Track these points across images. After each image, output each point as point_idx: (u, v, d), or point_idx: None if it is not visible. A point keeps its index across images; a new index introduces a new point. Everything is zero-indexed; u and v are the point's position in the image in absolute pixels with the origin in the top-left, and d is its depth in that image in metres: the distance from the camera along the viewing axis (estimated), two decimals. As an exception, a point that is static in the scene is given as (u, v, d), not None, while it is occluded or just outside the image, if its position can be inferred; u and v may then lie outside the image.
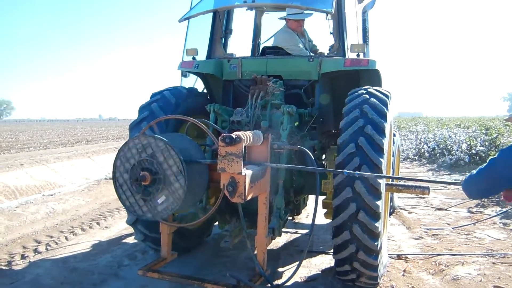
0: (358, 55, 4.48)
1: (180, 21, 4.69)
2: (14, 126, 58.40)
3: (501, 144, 12.32)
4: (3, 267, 4.56)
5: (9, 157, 13.31)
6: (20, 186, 8.84)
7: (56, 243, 5.42)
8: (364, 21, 4.93)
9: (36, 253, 5.02)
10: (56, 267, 4.58)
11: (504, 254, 4.79)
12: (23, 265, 4.63)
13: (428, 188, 3.91)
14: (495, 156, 2.21)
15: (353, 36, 4.76)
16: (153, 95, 4.51)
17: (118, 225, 6.30)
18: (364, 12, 4.99)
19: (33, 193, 8.65)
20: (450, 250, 5.01)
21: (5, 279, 4.24)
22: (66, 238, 5.65)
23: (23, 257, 4.89)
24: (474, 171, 2.40)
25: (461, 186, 2.56)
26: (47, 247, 5.26)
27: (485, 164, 2.25)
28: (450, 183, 3.01)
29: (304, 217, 6.53)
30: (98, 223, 6.40)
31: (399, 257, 4.81)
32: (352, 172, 3.23)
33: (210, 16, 5.21)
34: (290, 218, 5.14)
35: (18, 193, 8.54)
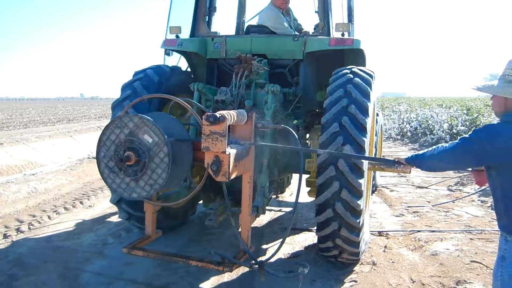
0: (343, 35, 4.47)
1: (163, -3, 4.60)
2: (-8, 105, 57.08)
3: (481, 123, 12.53)
4: (-15, 247, 4.53)
5: (-12, 136, 13.05)
6: (0, 165, 8.71)
7: (39, 222, 5.39)
8: (349, 1, 4.90)
9: (19, 232, 4.99)
10: (39, 246, 4.56)
11: (481, 230, 4.93)
12: (5, 244, 4.61)
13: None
14: (467, 135, 2.25)
15: (338, 15, 4.75)
16: (136, 73, 4.45)
17: (102, 204, 6.29)
18: (349, -9, 4.96)
19: (14, 173, 8.54)
20: (430, 227, 5.14)
21: (-12, 258, 4.22)
22: (49, 217, 5.62)
23: (5, 236, 4.86)
24: (435, 147, 2.40)
25: (408, 161, 2.56)
26: (30, 226, 5.23)
27: (455, 141, 2.29)
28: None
29: (288, 195, 6.60)
30: (81, 202, 6.37)
31: (380, 233, 4.92)
32: (334, 152, 3.26)
33: (194, -8, 5.12)
34: (274, 196, 5.18)
35: (-1, 172, 8.42)
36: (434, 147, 2.44)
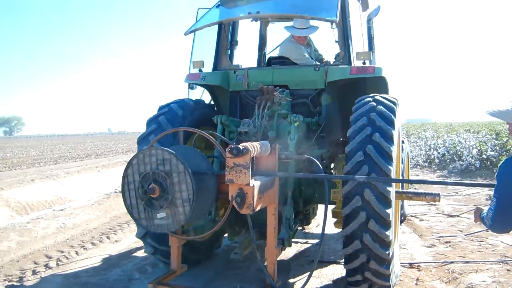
0: (364, 63, 4.47)
1: (186, 34, 4.72)
2: (25, 142, 59.02)
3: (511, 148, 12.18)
4: (15, 283, 4.57)
5: (20, 173, 13.41)
6: (31, 201, 8.91)
7: (67, 258, 5.43)
8: (369, 29, 4.92)
9: (47, 269, 5.03)
10: (67, 282, 4.58)
11: (518, 260, 4.71)
12: (34, 281, 4.64)
13: (438, 194, 3.87)
14: (495, 188, 2.26)
15: (358, 44, 4.76)
16: (161, 108, 4.53)
17: (128, 239, 6.31)
18: (369, 20, 5.00)
19: (44, 208, 8.71)
20: (463, 257, 4.94)
21: (17, 295, 4.26)
22: (77, 253, 5.65)
23: (34, 272, 4.90)
24: (489, 211, 2.44)
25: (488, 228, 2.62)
26: (58, 262, 5.27)
27: (492, 199, 2.31)
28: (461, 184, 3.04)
29: (314, 226, 6.49)
30: (108, 237, 6.41)
31: (411, 265, 4.75)
32: (364, 177, 3.20)
33: (215, 28, 5.24)
34: (300, 228, 5.10)
35: (29, 208, 8.60)
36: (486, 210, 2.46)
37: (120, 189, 3.18)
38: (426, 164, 15.23)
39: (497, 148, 12.87)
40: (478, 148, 13.28)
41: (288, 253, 5.28)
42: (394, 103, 3.83)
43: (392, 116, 3.64)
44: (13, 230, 6.61)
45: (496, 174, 2.31)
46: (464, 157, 13.17)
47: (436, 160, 14.80)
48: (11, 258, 5.44)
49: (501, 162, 2.30)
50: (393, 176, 3.41)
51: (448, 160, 14.19)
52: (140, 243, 5.20)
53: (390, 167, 3.36)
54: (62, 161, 19.61)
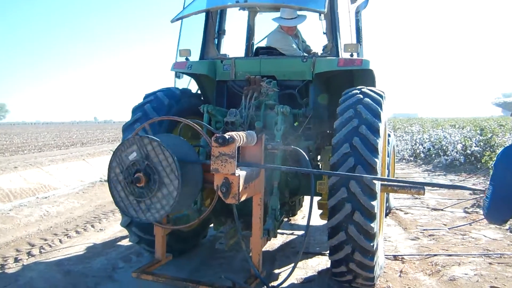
0: (351, 55, 4.46)
1: (172, 21, 4.65)
2: (8, 129, 58.12)
3: (495, 144, 12.34)
4: (-4, 271, 4.52)
5: (3, 160, 13.22)
6: (14, 189, 8.78)
7: (50, 246, 5.37)
8: (358, 21, 4.91)
9: (30, 256, 4.97)
10: (50, 270, 4.53)
11: (500, 254, 4.78)
12: (16, 268, 4.58)
13: (423, 188, 3.91)
14: (492, 176, 2.27)
15: (346, 36, 4.75)
16: (146, 96, 4.48)
17: (113, 228, 6.26)
18: (357, 12, 4.98)
19: (27, 196, 8.60)
20: (447, 250, 5.00)
21: (-2, 282, 4.20)
22: (60, 241, 5.59)
23: (16, 260, 4.84)
24: (485, 200, 2.45)
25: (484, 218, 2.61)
26: (41, 250, 5.21)
27: (489, 186, 2.31)
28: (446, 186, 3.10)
29: (300, 218, 6.51)
30: (92, 226, 6.35)
31: (395, 257, 4.80)
32: (347, 174, 3.20)
33: (203, 16, 5.18)
34: (285, 219, 5.11)
35: (12, 196, 8.48)
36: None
37: (105, 178, 3.14)
38: (411, 158, 15.37)
39: (482, 143, 13.03)
40: (463, 143, 13.44)
41: (273, 244, 5.29)
42: (381, 96, 3.83)
43: (379, 108, 3.64)
44: (-5, 217, 6.51)
45: (493, 162, 2.33)
46: (449, 152, 13.32)
47: (422, 155, 14.95)
48: (-8, 246, 5.37)
49: (499, 151, 2.32)
50: (378, 169, 3.42)
51: (433, 155, 14.36)
52: (125, 232, 5.16)
53: (375, 159, 3.36)
54: (46, 149, 19.37)
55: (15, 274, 4.43)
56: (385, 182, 3.87)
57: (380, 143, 3.49)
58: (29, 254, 5.05)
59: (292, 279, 4.13)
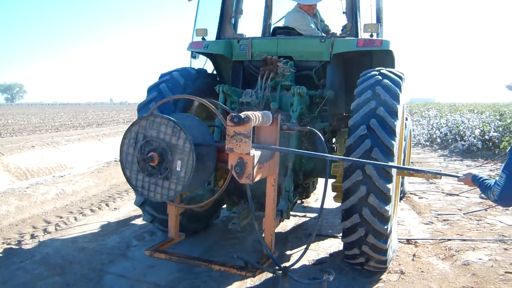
0: (371, 35, 4.36)
1: (189, 0, 4.60)
2: (26, 109, 58.92)
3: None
4: (13, 246, 4.60)
5: (20, 139, 13.41)
6: (31, 167, 8.93)
7: (66, 224, 5.45)
8: (378, 1, 4.78)
9: (46, 233, 5.06)
10: (65, 246, 4.60)
11: (516, 240, 4.71)
12: (32, 245, 4.67)
13: (440, 172, 3.84)
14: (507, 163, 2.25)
15: (366, 16, 4.65)
16: (162, 75, 4.46)
17: (127, 207, 6.32)
18: (378, -8, 4.85)
19: (44, 175, 8.73)
20: (461, 235, 4.94)
21: (15, 258, 4.28)
22: (75, 219, 5.68)
23: (32, 236, 4.93)
24: (496, 187, 2.44)
25: (495, 202, 2.60)
26: (57, 227, 5.30)
27: (502, 175, 2.31)
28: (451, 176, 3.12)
29: (313, 200, 6.49)
30: (107, 205, 6.43)
31: (408, 241, 4.76)
32: (359, 160, 3.15)
33: (220, -5, 5.11)
34: (299, 201, 5.09)
35: (29, 174, 8.62)
36: (490, 182, 2.51)
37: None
38: (428, 143, 15.17)
39: (500, 129, 12.79)
40: (481, 128, 13.20)
41: (286, 225, 5.29)
42: (401, 78, 3.75)
43: (398, 90, 3.56)
44: (13, 194, 6.62)
45: (508, 150, 2.29)
46: (466, 137, 13.10)
47: (438, 140, 14.73)
48: (10, 222, 5.47)
49: None
50: (395, 151, 3.37)
51: (450, 140, 14.13)
52: (139, 211, 5.21)
53: (393, 142, 3.31)
54: (63, 129, 19.60)
55: (32, 250, 4.51)
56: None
57: (398, 125, 3.44)
58: (45, 231, 5.14)
59: (304, 261, 4.13)
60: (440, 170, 3.90)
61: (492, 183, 2.52)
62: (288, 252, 4.46)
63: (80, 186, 7.66)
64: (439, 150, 13.67)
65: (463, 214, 5.91)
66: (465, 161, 11.21)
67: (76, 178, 8.22)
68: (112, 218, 5.76)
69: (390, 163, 3.28)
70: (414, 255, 4.34)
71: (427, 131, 16.49)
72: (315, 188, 5.28)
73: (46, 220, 5.60)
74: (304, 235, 5.01)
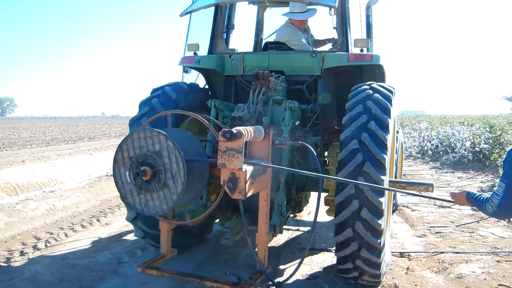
0: (361, 50, 4.41)
1: (181, 15, 4.63)
2: (17, 123, 58.51)
3: (505, 142, 12.21)
4: (2, 264, 4.52)
5: (11, 154, 13.30)
6: (21, 182, 8.84)
7: (56, 240, 5.38)
8: (368, 16, 4.85)
9: (36, 250, 4.98)
10: (55, 264, 4.53)
11: (508, 252, 4.72)
12: (22, 262, 4.59)
13: (432, 185, 3.88)
14: (503, 173, 2.27)
15: (356, 31, 4.70)
16: (154, 90, 4.45)
17: (118, 222, 6.26)
18: (368, 7, 4.92)
19: (34, 190, 8.65)
20: (454, 248, 4.95)
21: (4, 275, 4.20)
22: (66, 235, 5.60)
23: (22, 253, 4.85)
24: (495, 197, 2.45)
25: (490, 215, 2.62)
26: (47, 243, 5.22)
27: (500, 185, 2.33)
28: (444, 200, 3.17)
29: (306, 214, 6.48)
30: (98, 220, 6.36)
31: (402, 255, 4.75)
32: (356, 182, 3.15)
33: (211, 10, 5.14)
34: (291, 215, 5.08)
35: (19, 189, 8.53)
36: (486, 196, 2.50)
37: (111, 172, 3.11)
38: (419, 155, 15.26)
39: (490, 141, 12.91)
40: (472, 140, 13.32)
41: (279, 240, 5.27)
42: (391, 92, 3.78)
43: (389, 104, 3.59)
44: (2, 210, 6.53)
45: (503, 160, 2.32)
46: (457, 149, 13.21)
47: (429, 152, 14.83)
48: (-1, 239, 5.39)
49: (508, 148, 2.32)
50: (387, 165, 3.38)
51: (441, 152, 14.24)
52: (131, 227, 5.16)
53: (384, 155, 3.32)
54: (54, 143, 19.48)
55: (21, 267, 4.43)
56: (394, 179, 3.81)
57: (389, 139, 3.45)
58: (34, 247, 5.06)
59: (298, 275, 4.10)
60: (432, 184, 3.92)
61: (489, 196, 2.54)
62: (282, 267, 4.43)
63: (71, 201, 7.58)
64: (430, 162, 13.75)
65: (456, 226, 5.93)
66: (457, 173, 11.29)
67: (67, 193, 8.14)
68: (103, 233, 5.70)
69: (382, 177, 3.29)
70: (407, 269, 4.33)
71: (418, 143, 16.61)
72: (307, 202, 5.27)
73: (36, 236, 5.52)
74: (297, 249, 4.99)
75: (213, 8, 5.09)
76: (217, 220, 4.92)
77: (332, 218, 3.65)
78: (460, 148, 13.10)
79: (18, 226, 5.97)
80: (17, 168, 9.58)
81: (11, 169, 9.39)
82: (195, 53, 4.98)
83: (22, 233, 5.64)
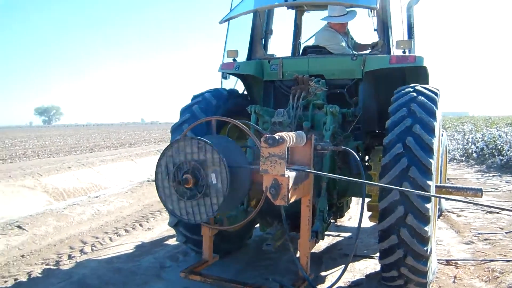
0: (404, 52, 4.31)
1: (220, 22, 4.67)
2: (62, 131, 60.87)
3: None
4: (52, 267, 4.69)
5: (57, 161, 13.82)
6: (67, 188, 9.16)
7: (101, 244, 5.54)
8: (409, 17, 4.73)
9: (82, 254, 5.14)
10: (101, 267, 4.66)
11: None
12: (70, 265, 4.75)
13: (481, 190, 3.73)
14: None
15: (398, 32, 4.60)
16: (194, 97, 4.51)
17: (160, 227, 6.37)
18: (410, 8, 4.80)
19: (80, 195, 8.94)
20: (505, 256, 4.73)
21: (54, 279, 4.36)
22: (111, 239, 5.76)
23: (70, 257, 5.02)
24: None
25: None
26: (93, 247, 5.38)
27: None
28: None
29: (347, 219, 6.38)
30: (141, 225, 6.50)
31: (448, 262, 4.59)
32: (400, 188, 3.06)
33: (250, 17, 5.17)
34: (332, 221, 5.01)
35: (66, 194, 8.85)
36: None
37: (153, 177, 3.17)
38: (463, 158, 14.74)
39: (540, 143, 12.31)
40: (520, 142, 12.74)
41: (320, 246, 5.20)
42: (436, 94, 3.66)
43: (434, 107, 3.48)
44: (51, 215, 6.78)
45: None
46: (504, 151, 12.66)
47: (474, 155, 14.29)
48: (48, 242, 5.60)
49: None
50: (433, 170, 3.27)
51: (487, 155, 13.67)
52: (172, 232, 5.24)
53: (431, 160, 3.22)
54: (97, 150, 20.10)
55: (69, 270, 4.59)
56: (439, 184, 3.69)
57: (435, 143, 3.35)
58: (81, 251, 5.23)
59: (340, 282, 4.02)
60: (481, 188, 3.76)
61: None
62: (323, 274, 4.37)
63: (115, 206, 7.79)
64: (475, 166, 13.24)
65: (505, 233, 5.67)
66: (504, 176, 10.81)
67: (111, 198, 8.37)
68: (146, 238, 5.82)
69: (428, 182, 3.18)
70: (455, 277, 4.18)
71: (462, 146, 16.04)
72: (349, 207, 5.18)
73: (82, 240, 5.70)
74: (338, 256, 4.91)
75: (251, 14, 5.12)
76: (257, 225, 4.91)
77: (375, 224, 3.56)
78: (508, 150, 12.55)
79: (66, 230, 6.18)
80: (63, 174, 9.94)
81: (59, 175, 9.76)
82: (234, 59, 5.02)
83: (70, 237, 5.84)
